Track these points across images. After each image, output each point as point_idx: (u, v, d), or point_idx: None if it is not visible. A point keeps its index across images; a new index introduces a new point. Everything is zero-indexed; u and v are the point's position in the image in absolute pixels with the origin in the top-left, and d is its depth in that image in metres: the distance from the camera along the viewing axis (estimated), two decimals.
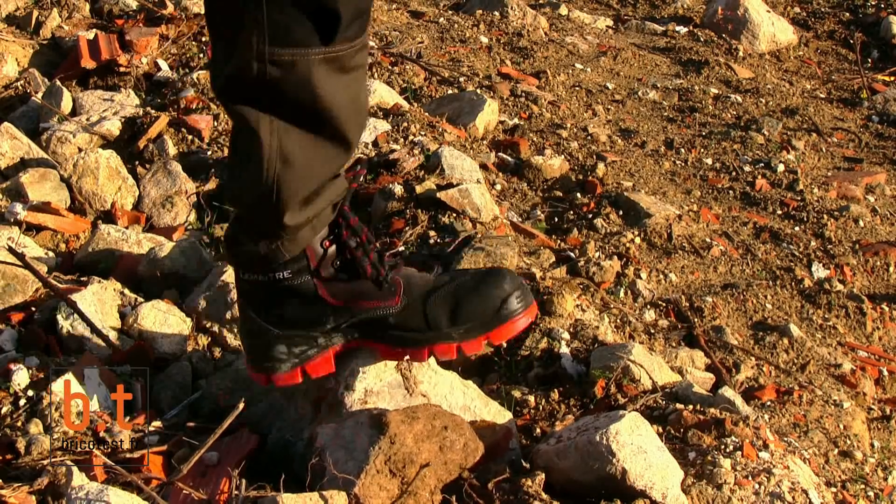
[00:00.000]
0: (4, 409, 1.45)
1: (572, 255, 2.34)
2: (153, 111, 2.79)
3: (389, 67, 3.30)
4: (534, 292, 2.00)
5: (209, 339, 1.91)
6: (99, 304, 1.85)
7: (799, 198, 2.91)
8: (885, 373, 2.24)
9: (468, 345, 1.36)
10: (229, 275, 1.96)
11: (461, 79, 3.34)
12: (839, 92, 4.03)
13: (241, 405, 1.44)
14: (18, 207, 2.30)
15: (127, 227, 2.36)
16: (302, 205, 1.26)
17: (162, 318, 1.86)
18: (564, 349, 1.85)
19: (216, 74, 1.20)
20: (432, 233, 2.24)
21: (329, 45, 1.15)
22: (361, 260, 1.33)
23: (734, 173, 3.06)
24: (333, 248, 1.33)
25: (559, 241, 2.45)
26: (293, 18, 1.12)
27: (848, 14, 4.74)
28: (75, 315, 1.79)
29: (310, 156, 1.22)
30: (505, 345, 1.89)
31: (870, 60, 4.39)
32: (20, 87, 3.00)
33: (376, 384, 1.40)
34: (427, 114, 2.93)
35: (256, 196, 1.23)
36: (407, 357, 1.38)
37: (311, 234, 1.31)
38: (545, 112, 3.22)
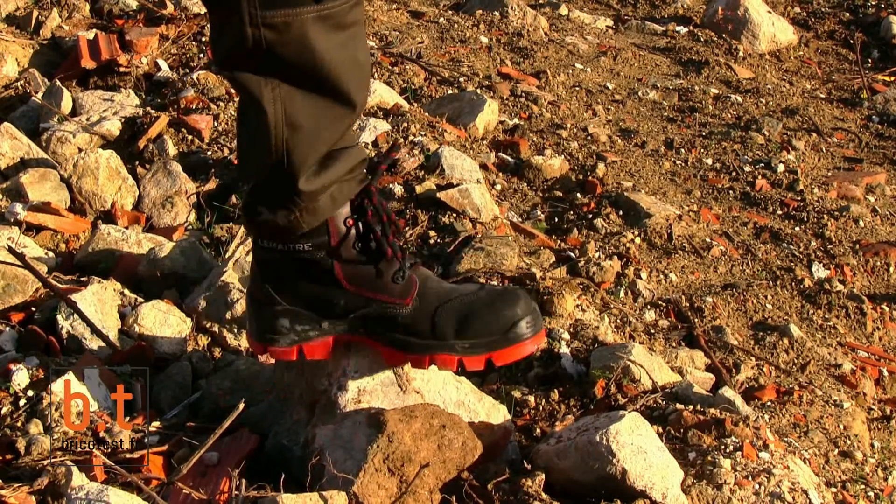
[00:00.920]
0: (4, 409, 1.46)
1: (572, 255, 2.34)
2: (153, 111, 2.79)
3: (389, 67, 3.30)
4: (534, 292, 2.00)
5: (209, 339, 1.91)
6: (99, 304, 1.86)
7: (799, 198, 2.91)
8: (885, 373, 2.24)
9: (470, 360, 1.34)
10: (229, 275, 1.96)
11: (461, 79, 3.34)
12: (839, 92, 4.03)
13: (241, 405, 1.44)
14: (18, 207, 2.30)
15: (127, 227, 2.36)
16: (316, 169, 1.25)
17: (162, 318, 1.86)
18: (564, 349, 1.85)
19: (215, 49, 1.21)
20: (432, 233, 2.24)
21: (321, 2, 1.15)
22: (382, 242, 1.31)
23: (734, 173, 3.06)
24: (357, 228, 1.32)
25: (559, 241, 2.45)
26: None
27: (848, 14, 4.74)
28: (75, 315, 1.79)
29: (316, 118, 1.22)
30: None
31: (870, 60, 4.39)
32: (20, 87, 3.00)
33: (369, 383, 1.40)
34: (427, 114, 2.93)
35: (268, 165, 1.23)
36: (408, 363, 1.38)
37: (330, 205, 1.29)
38: (545, 112, 3.22)
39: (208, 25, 1.29)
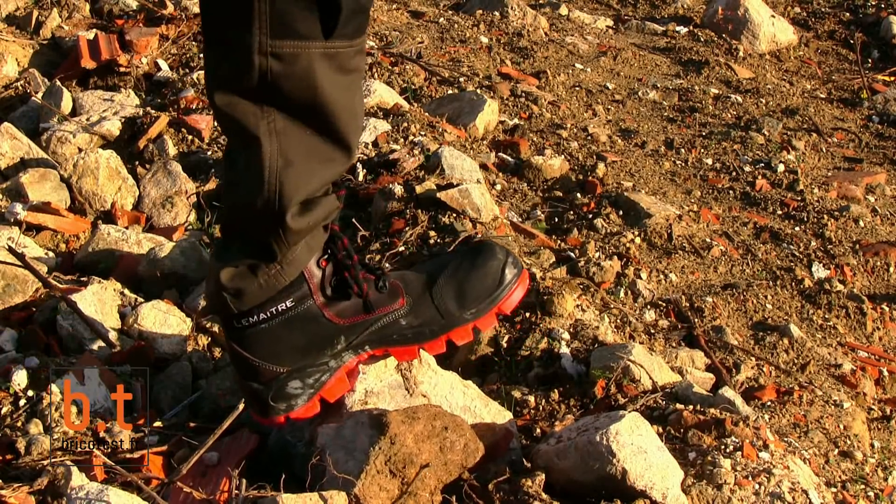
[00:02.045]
0: (4, 409, 1.46)
1: (572, 255, 2.34)
2: (153, 111, 2.79)
3: (389, 67, 3.30)
4: (534, 292, 2.00)
5: (209, 339, 1.91)
6: (99, 304, 1.86)
7: (799, 198, 2.91)
8: (885, 373, 2.24)
9: (482, 322, 1.38)
10: None
11: (461, 79, 3.34)
12: (839, 92, 4.03)
13: (242, 405, 1.43)
14: (18, 207, 2.31)
15: (127, 227, 2.36)
16: (302, 208, 1.24)
17: (162, 318, 1.86)
18: (564, 349, 1.85)
19: (214, 75, 1.18)
20: (432, 233, 2.24)
21: (329, 39, 1.14)
22: (355, 278, 1.32)
23: (734, 173, 3.06)
24: (330, 267, 1.32)
25: (559, 241, 2.45)
26: (296, 8, 1.11)
27: (848, 14, 4.74)
28: (75, 315, 1.79)
29: (310, 155, 1.21)
30: (505, 331, 1.89)
31: (870, 60, 4.39)
32: (20, 87, 3.00)
33: (376, 385, 1.40)
34: (427, 114, 2.93)
35: (259, 201, 1.21)
36: (423, 350, 1.39)
37: (307, 254, 1.28)
38: (545, 112, 3.22)
39: (204, 55, 1.26)
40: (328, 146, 1.22)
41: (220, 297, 1.29)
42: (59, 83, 2.93)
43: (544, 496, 1.34)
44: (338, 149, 1.23)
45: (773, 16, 4.38)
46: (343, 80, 1.19)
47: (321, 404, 1.35)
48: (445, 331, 1.36)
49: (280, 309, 1.29)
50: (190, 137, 2.71)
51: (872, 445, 2.00)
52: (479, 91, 3.17)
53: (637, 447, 1.36)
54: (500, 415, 1.51)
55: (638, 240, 2.48)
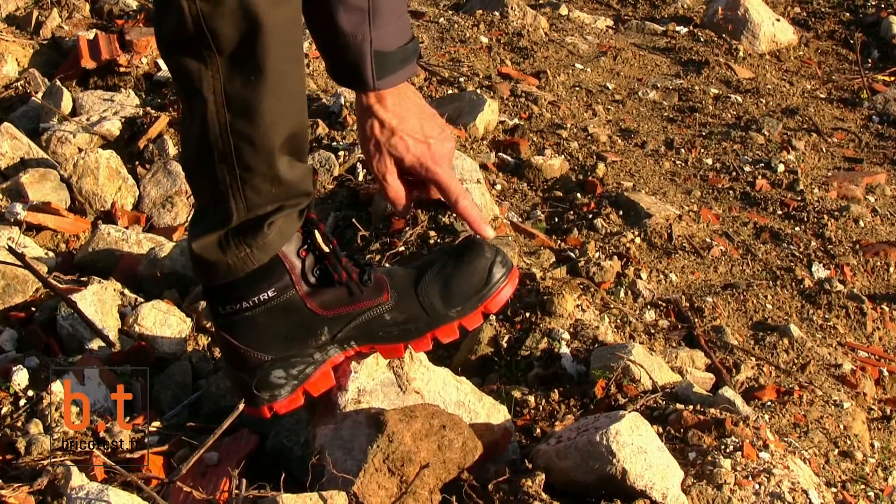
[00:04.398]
0: (4, 409, 1.46)
1: (572, 255, 2.34)
2: (153, 111, 2.80)
3: None
4: (534, 292, 2.00)
5: (209, 339, 1.91)
6: (99, 304, 1.86)
7: (799, 198, 2.91)
8: (886, 373, 2.24)
9: (468, 320, 1.36)
10: None
11: (461, 79, 3.34)
12: (839, 92, 4.03)
13: (241, 405, 1.43)
14: (18, 207, 2.31)
15: (127, 227, 2.36)
16: (283, 152, 1.20)
17: (162, 318, 1.87)
18: (564, 349, 1.85)
19: (158, 35, 1.18)
20: (432, 233, 2.24)
21: None
22: (335, 265, 1.31)
23: (734, 173, 3.06)
24: (311, 257, 1.31)
25: (559, 241, 2.45)
26: None
27: (848, 14, 4.74)
28: (75, 315, 1.79)
29: (263, 99, 1.17)
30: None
31: (870, 60, 4.39)
32: (20, 87, 3.00)
33: (369, 383, 1.40)
34: None
35: (206, 151, 1.19)
36: (409, 349, 1.38)
37: (279, 239, 1.27)
38: (545, 112, 3.22)
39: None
40: (280, 81, 1.18)
41: (195, 270, 1.29)
42: (59, 83, 2.93)
43: (544, 496, 1.35)
44: (289, 82, 1.19)
45: (778, 18, 4.38)
46: (284, 11, 1.14)
47: (305, 398, 1.34)
48: (431, 328, 1.35)
49: (262, 298, 1.29)
50: None
51: (872, 445, 2.00)
52: (479, 91, 3.17)
53: (637, 447, 1.36)
54: (494, 409, 1.51)
55: (638, 240, 2.48)
